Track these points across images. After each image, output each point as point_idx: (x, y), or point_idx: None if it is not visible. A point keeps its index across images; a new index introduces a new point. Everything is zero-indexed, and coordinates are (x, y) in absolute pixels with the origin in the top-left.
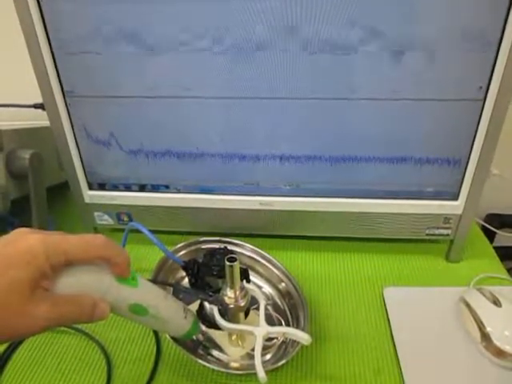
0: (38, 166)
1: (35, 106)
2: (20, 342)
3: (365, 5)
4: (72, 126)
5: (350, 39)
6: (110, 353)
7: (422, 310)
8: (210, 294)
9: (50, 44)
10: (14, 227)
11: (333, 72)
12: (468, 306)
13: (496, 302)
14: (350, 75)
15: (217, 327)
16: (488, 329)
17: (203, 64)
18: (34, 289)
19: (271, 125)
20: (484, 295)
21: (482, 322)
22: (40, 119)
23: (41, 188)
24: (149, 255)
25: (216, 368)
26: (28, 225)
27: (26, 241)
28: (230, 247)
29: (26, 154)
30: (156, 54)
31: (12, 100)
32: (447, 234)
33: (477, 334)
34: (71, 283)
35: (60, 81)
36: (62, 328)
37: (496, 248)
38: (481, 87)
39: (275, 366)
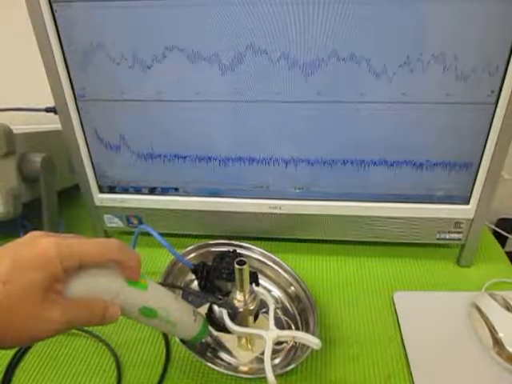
0: (50, 169)
1: (47, 110)
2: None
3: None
4: (83, 130)
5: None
6: (120, 355)
7: (433, 315)
8: (220, 297)
9: (62, 48)
10: (25, 230)
11: (342, 75)
12: (479, 311)
13: (508, 307)
14: (360, 79)
15: (226, 330)
16: (500, 334)
17: (212, 68)
18: (47, 292)
19: (280, 128)
20: (496, 300)
21: (493, 328)
22: (51, 123)
23: (52, 191)
24: (158, 258)
25: (225, 372)
26: (39, 228)
27: (40, 244)
28: (239, 250)
29: (37, 158)
30: (165, 58)
31: (24, 104)
32: (458, 239)
33: (488, 340)
34: (83, 286)
35: (72, 85)
36: (72, 330)
37: (508, 253)
38: (493, 91)
39: (285, 370)
